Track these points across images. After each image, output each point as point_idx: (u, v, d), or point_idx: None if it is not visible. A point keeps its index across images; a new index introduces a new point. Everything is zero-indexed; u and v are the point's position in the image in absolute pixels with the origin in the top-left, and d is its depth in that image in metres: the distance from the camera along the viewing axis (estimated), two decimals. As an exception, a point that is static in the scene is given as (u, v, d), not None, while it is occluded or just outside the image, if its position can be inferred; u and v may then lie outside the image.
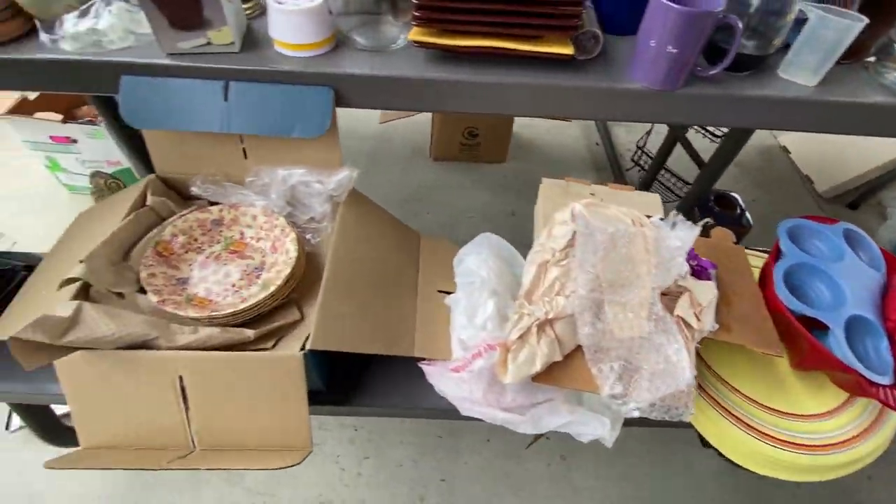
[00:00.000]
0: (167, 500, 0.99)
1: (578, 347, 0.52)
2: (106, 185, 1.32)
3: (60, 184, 1.48)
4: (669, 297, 0.53)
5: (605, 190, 0.68)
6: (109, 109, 1.04)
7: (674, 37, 0.55)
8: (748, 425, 0.56)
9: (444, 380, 0.55)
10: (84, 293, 0.54)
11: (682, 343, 0.49)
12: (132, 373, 0.50)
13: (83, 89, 0.61)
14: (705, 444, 0.60)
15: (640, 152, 1.53)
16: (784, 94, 0.60)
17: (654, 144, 1.54)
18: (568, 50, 0.59)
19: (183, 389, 0.51)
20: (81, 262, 0.52)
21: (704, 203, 1.26)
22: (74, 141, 1.29)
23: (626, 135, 1.87)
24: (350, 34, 0.63)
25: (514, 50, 0.58)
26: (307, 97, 0.60)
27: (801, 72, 0.61)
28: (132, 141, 1.10)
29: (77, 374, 0.49)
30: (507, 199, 1.61)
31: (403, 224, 0.73)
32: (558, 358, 0.50)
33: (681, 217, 0.53)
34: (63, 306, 0.47)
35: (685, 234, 0.50)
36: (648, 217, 0.57)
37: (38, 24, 0.59)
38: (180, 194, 0.70)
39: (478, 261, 0.60)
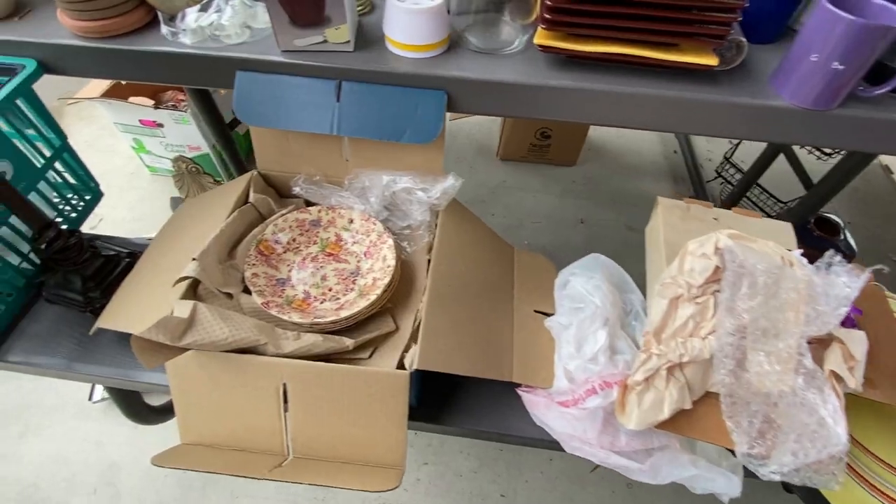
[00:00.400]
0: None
1: (707, 394, 0.48)
2: (187, 169, 1.36)
3: (143, 164, 1.55)
4: (814, 346, 0.47)
5: (729, 214, 0.62)
6: (202, 99, 1.07)
7: (843, 52, 0.48)
8: (890, 498, 0.50)
9: (549, 413, 0.51)
10: (193, 290, 0.54)
11: (837, 403, 0.43)
12: (239, 376, 0.49)
13: (199, 83, 0.61)
14: (788, 488, 0.54)
15: (727, 164, 1.42)
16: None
17: (741, 155, 1.43)
18: (711, 61, 0.53)
19: (285, 395, 0.50)
20: (194, 259, 0.52)
21: (802, 226, 1.15)
22: (161, 125, 1.34)
23: (707, 143, 1.75)
24: (465, 34, 0.60)
25: (650, 59, 0.53)
26: (420, 101, 0.57)
27: None
28: (219, 130, 1.12)
29: (186, 373, 0.49)
30: (576, 205, 1.55)
31: (498, 236, 0.69)
32: (688, 406, 0.46)
33: (838, 258, 0.47)
34: (180, 306, 0.47)
35: (851, 281, 0.44)
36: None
37: (160, 16, 0.59)
38: (278, 191, 0.69)
39: (589, 285, 0.56)
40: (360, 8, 0.64)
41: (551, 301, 0.63)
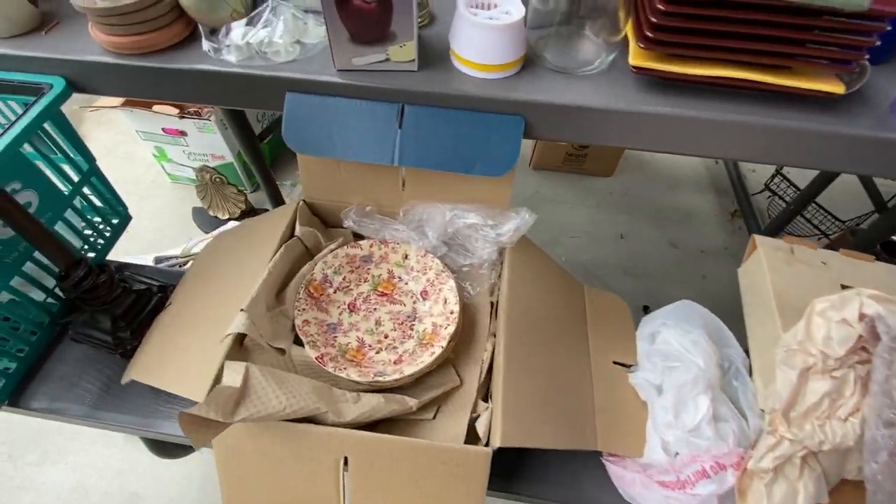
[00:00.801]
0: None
1: (843, 481, 0.41)
2: (211, 180, 1.30)
3: (164, 172, 1.50)
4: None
5: (837, 257, 0.54)
6: (232, 111, 1.01)
7: None
8: None
9: (646, 493, 0.45)
10: (240, 342, 0.48)
11: None
12: (294, 447, 0.43)
13: (244, 104, 0.55)
14: None
15: (778, 177, 1.34)
16: None
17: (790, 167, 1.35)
18: (836, 88, 0.45)
19: (345, 467, 0.44)
20: (243, 311, 0.46)
21: (867, 250, 1.07)
22: (185, 134, 1.28)
23: (749, 154, 1.66)
24: (540, 50, 0.53)
25: (765, 83, 0.46)
26: (494, 127, 0.50)
27: None
28: (249, 143, 1.06)
29: (234, 446, 0.43)
30: (614, 218, 1.47)
31: (566, 272, 0.62)
32: (825, 501, 0.39)
33: None
34: (230, 371, 0.41)
35: None
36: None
37: (201, 29, 0.53)
38: (324, 220, 0.63)
39: (686, 341, 0.49)
40: (419, 20, 0.57)
41: (630, 348, 0.57)
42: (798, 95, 0.47)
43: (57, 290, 0.59)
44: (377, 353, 0.53)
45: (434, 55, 0.54)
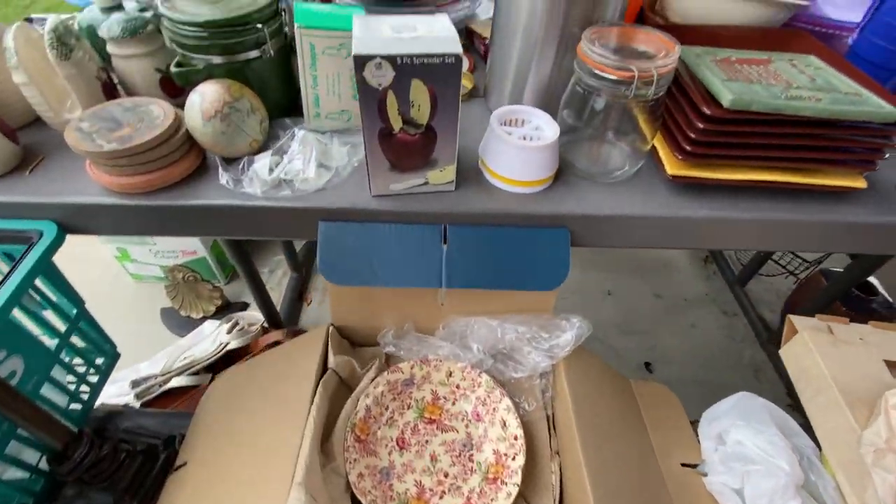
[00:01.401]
0: None
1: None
2: (183, 279, 1.21)
3: (127, 273, 1.38)
4: None
5: (871, 331, 0.56)
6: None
7: None
8: None
9: None
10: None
11: None
12: None
13: (271, 235, 0.51)
14: None
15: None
16: None
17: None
18: (859, 183, 0.49)
19: None
20: (300, 485, 0.40)
21: (842, 292, 1.14)
22: (153, 233, 1.19)
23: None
24: (569, 157, 0.53)
25: (793, 183, 0.49)
26: (540, 242, 0.49)
27: None
28: (236, 247, 1.00)
29: None
30: (600, 276, 1.50)
31: (612, 368, 0.61)
32: None
33: None
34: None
35: None
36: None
37: (217, 160, 0.50)
38: (351, 340, 0.58)
39: (761, 441, 0.48)
40: (442, 133, 0.57)
41: (691, 445, 0.55)
42: (822, 191, 0.50)
43: (42, 466, 0.50)
44: (440, 497, 0.48)
45: (463, 167, 0.53)
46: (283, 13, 0.53)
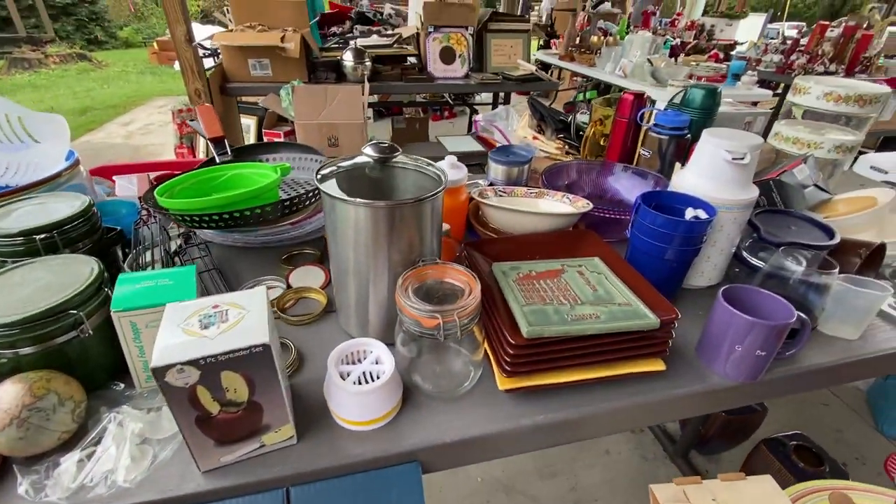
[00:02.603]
0: None
1: None
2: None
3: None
4: None
5: (718, 485, 0.60)
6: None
7: (761, 342, 0.55)
8: None
9: None
10: None
11: None
12: None
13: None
14: None
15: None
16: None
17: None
18: (659, 366, 0.56)
19: None
20: None
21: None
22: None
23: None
24: (413, 375, 0.55)
25: (609, 376, 0.55)
26: (392, 482, 0.48)
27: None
28: None
29: None
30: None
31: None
32: None
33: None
34: None
35: None
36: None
37: (15, 468, 0.44)
38: None
39: None
40: (287, 369, 0.57)
41: None
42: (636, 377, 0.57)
43: None
44: None
45: (310, 408, 0.52)
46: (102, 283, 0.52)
